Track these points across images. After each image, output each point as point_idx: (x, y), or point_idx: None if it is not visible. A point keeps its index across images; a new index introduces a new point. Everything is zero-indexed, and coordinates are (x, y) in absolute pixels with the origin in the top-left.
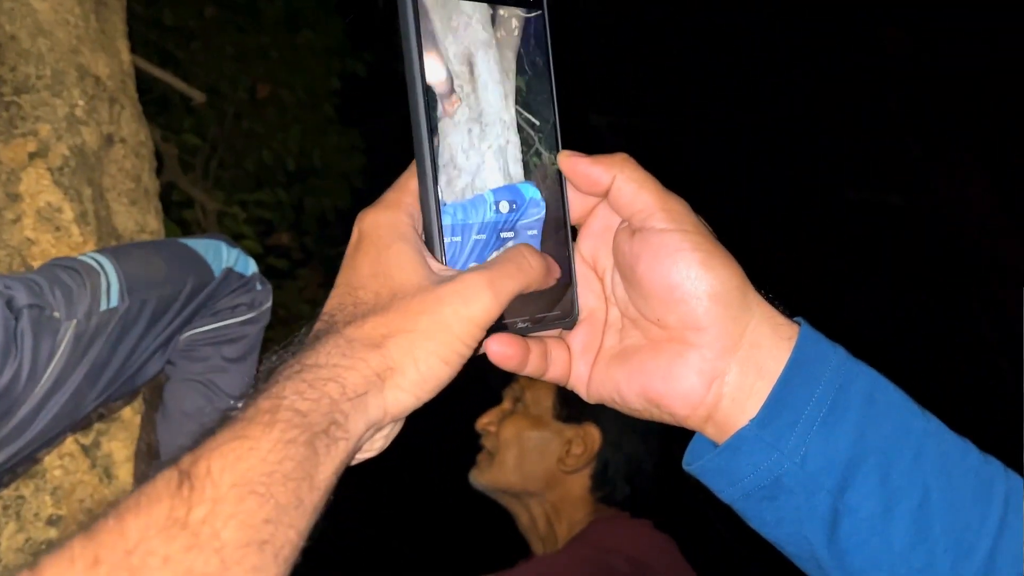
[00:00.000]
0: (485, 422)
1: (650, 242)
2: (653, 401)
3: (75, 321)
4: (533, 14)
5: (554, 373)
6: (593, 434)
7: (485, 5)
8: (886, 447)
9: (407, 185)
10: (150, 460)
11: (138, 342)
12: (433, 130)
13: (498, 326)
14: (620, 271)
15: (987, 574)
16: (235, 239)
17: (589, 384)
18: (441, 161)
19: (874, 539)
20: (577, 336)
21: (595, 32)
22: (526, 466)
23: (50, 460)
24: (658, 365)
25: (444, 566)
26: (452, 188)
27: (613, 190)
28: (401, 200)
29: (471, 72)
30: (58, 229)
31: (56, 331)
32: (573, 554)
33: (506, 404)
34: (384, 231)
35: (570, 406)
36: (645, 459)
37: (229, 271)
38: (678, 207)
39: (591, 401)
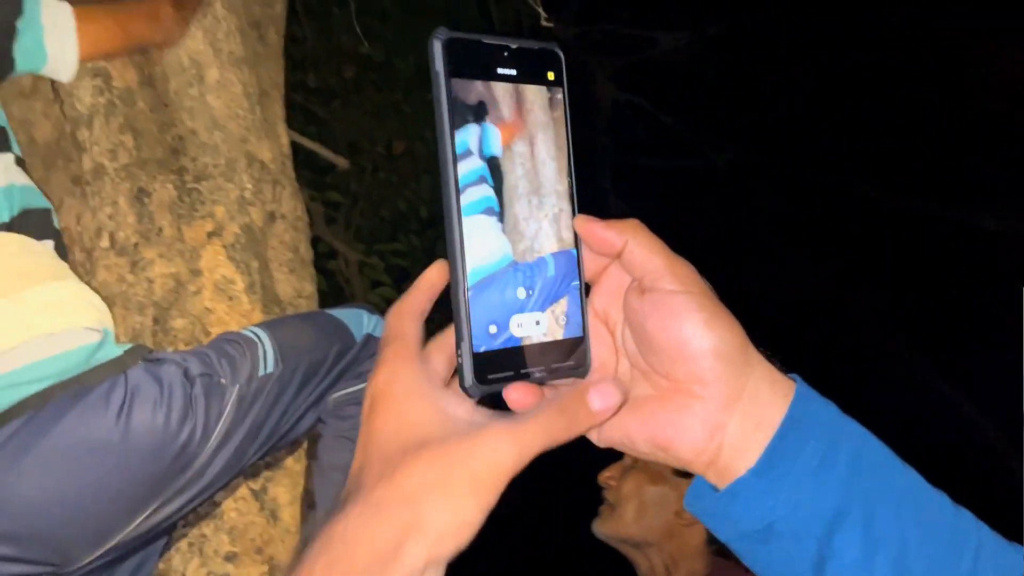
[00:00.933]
0: (607, 476)
1: (659, 302)
2: (660, 447)
3: (238, 386)
4: (559, 93)
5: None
6: None
7: (543, 88)
8: (870, 499)
9: (402, 333)
10: (310, 505)
11: (291, 401)
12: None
13: (517, 375)
14: (630, 327)
15: None
16: (373, 287)
17: (601, 430)
18: (506, 228)
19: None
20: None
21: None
22: (646, 518)
23: (227, 504)
24: (666, 414)
25: None
26: (516, 250)
27: (625, 252)
28: (401, 351)
29: (531, 150)
30: (231, 299)
31: (223, 395)
32: None
33: (627, 459)
34: (397, 387)
35: None
36: None
37: (369, 337)
38: (685, 270)
39: (601, 445)
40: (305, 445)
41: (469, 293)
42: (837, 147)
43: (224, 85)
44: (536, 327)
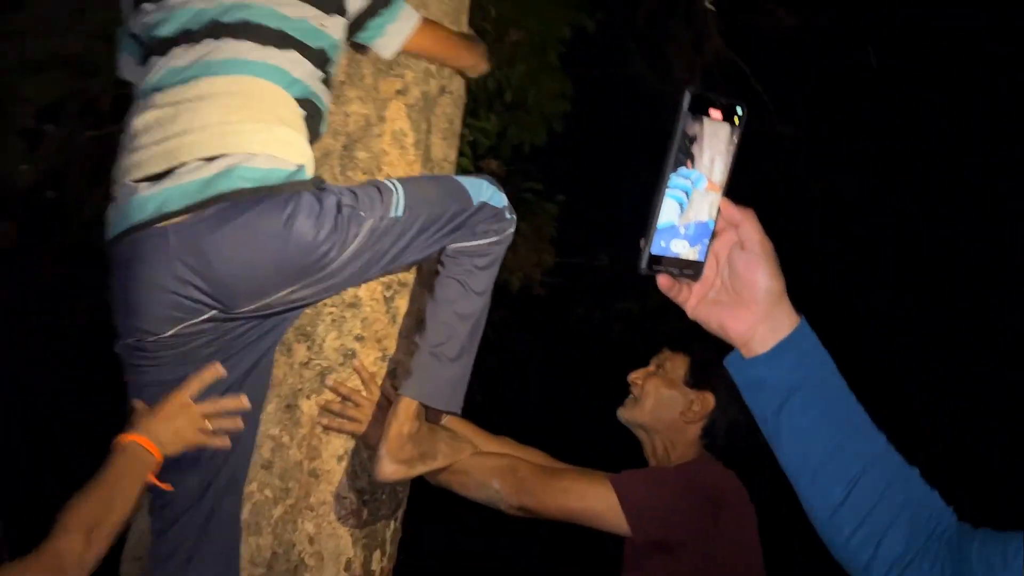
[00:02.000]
0: (635, 376)
1: (747, 257)
2: (723, 328)
3: (372, 220)
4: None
5: (683, 299)
6: (709, 399)
7: (731, 126)
8: (811, 386)
9: None
10: (419, 325)
11: (410, 241)
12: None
13: (665, 270)
14: (728, 264)
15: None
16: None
17: (695, 310)
18: (688, 202)
19: (797, 419)
20: (697, 285)
21: None
22: (658, 412)
23: (365, 298)
24: (731, 312)
25: (590, 464)
26: (687, 216)
27: (741, 225)
28: None
29: (713, 163)
30: (402, 148)
31: (360, 223)
32: (678, 470)
33: (651, 367)
34: None
35: (697, 377)
36: (743, 426)
37: (485, 204)
38: (767, 244)
39: (691, 318)
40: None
41: (657, 225)
42: None
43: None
44: (684, 250)
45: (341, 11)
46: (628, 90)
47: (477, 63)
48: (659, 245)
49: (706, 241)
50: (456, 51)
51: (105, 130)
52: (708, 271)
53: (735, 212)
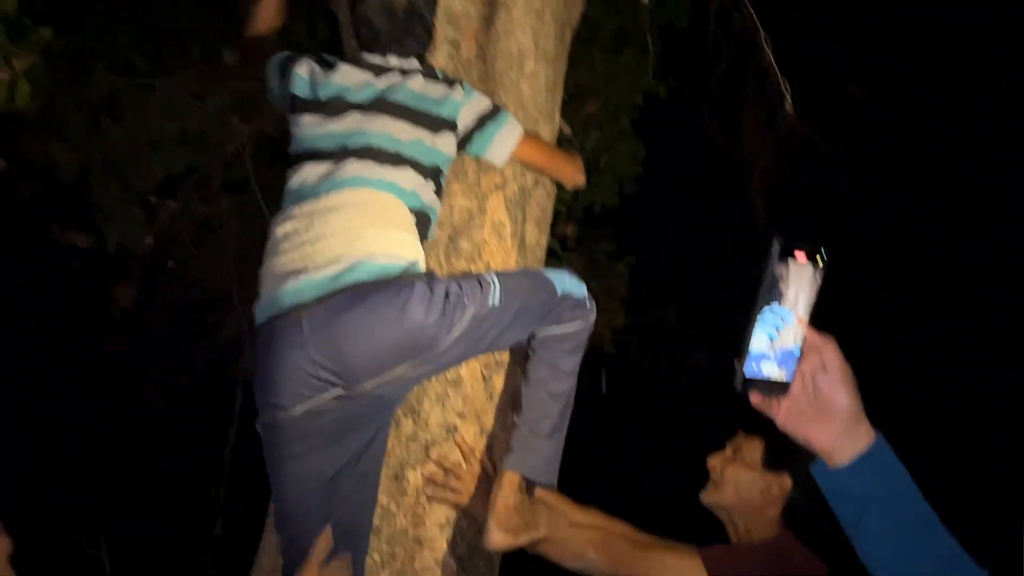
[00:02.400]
0: (713, 462)
1: (830, 378)
2: (808, 439)
3: (474, 308)
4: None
5: (773, 413)
6: (787, 481)
7: (816, 271)
8: (886, 502)
9: None
10: (514, 405)
11: (505, 328)
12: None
13: (757, 388)
14: (813, 382)
15: None
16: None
17: (783, 423)
18: (778, 333)
19: (875, 527)
20: (785, 401)
21: None
22: (738, 496)
23: (467, 377)
24: (815, 426)
25: (665, 527)
26: (777, 344)
27: (824, 351)
28: None
29: (798, 300)
30: (500, 238)
31: (465, 310)
32: (763, 548)
33: (729, 451)
34: None
35: (774, 460)
36: (821, 506)
37: (568, 294)
38: (846, 369)
39: (780, 428)
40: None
41: (750, 351)
42: None
43: (535, 75)
44: (773, 372)
45: (452, 128)
46: (699, 152)
47: (575, 176)
48: (752, 368)
49: (793, 364)
50: (556, 163)
51: (214, 205)
52: (795, 389)
53: (818, 339)
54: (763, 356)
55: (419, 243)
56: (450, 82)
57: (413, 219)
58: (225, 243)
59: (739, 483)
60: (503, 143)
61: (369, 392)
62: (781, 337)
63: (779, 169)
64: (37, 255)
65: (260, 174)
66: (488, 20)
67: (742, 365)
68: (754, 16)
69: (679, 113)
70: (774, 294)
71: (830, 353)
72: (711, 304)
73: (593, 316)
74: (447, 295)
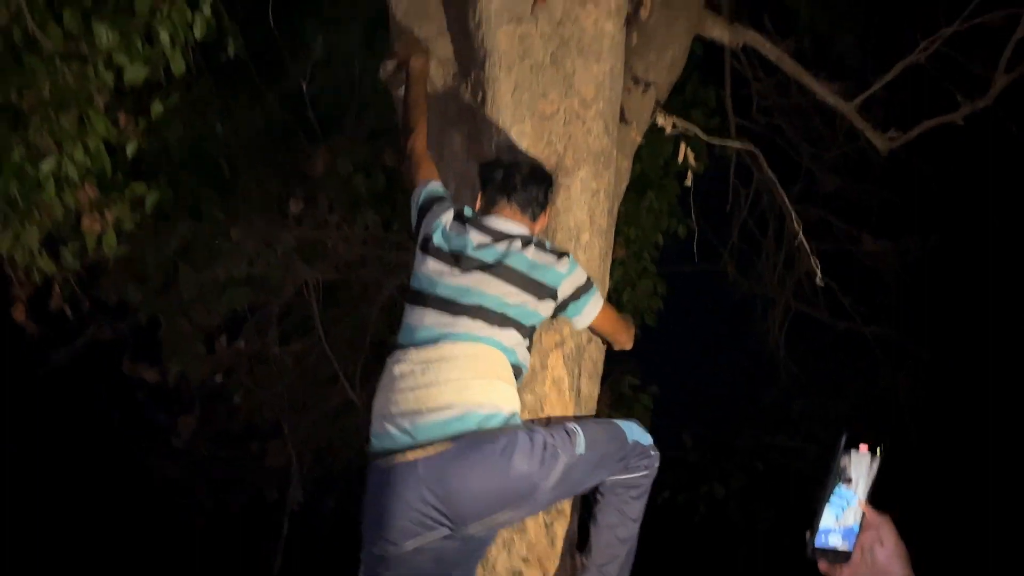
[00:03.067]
0: None
1: (886, 551)
2: None
3: (565, 457)
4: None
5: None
6: None
7: (874, 459)
8: None
9: None
10: (579, 546)
11: (587, 474)
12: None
13: (823, 556)
14: (871, 553)
15: None
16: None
17: None
18: (842, 511)
19: None
20: (847, 567)
21: None
22: None
23: (531, 525)
24: None
25: None
26: (841, 521)
27: (881, 528)
28: None
29: (857, 488)
30: (560, 391)
31: (558, 459)
32: None
33: None
34: None
35: None
36: None
37: (637, 442)
38: (901, 544)
39: None
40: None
41: (819, 526)
42: None
43: (590, 247)
44: (838, 543)
45: (553, 297)
46: (718, 287)
47: (627, 341)
48: (820, 540)
49: (854, 537)
50: (618, 330)
51: (270, 349)
52: (855, 558)
53: (877, 517)
54: (830, 530)
55: (517, 393)
56: (558, 254)
57: (511, 371)
58: (280, 377)
59: None
60: (590, 312)
61: (472, 535)
62: (845, 515)
63: (796, 307)
64: (105, 387)
65: (321, 314)
66: (551, 200)
67: (813, 537)
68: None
69: (699, 251)
70: (840, 478)
71: (886, 530)
72: (730, 436)
73: (657, 464)
74: (545, 446)
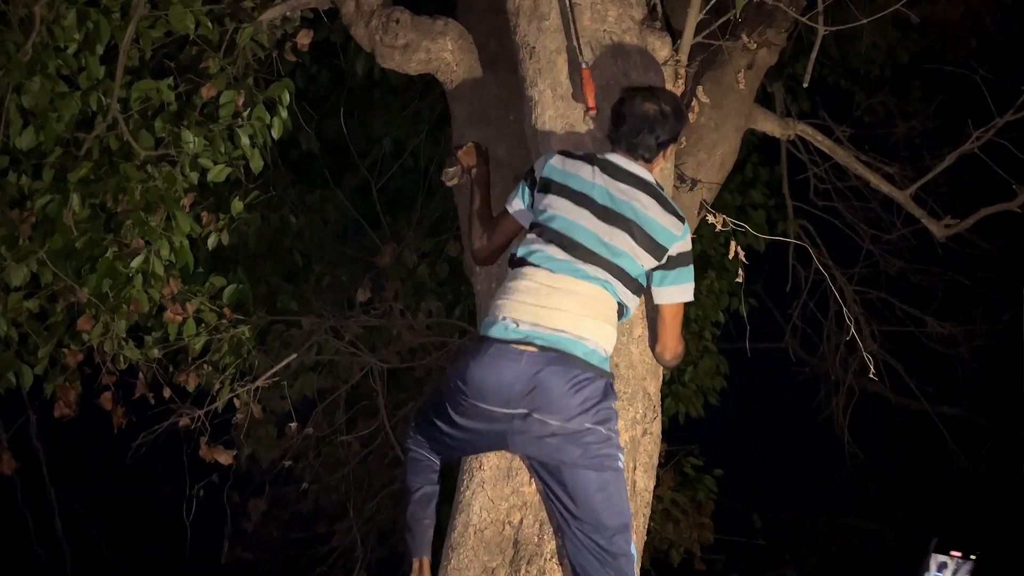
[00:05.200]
0: None
1: None
2: None
3: (609, 450)
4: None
5: None
6: None
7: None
8: None
9: None
10: None
11: (603, 490)
12: None
13: None
14: None
15: None
16: None
17: None
18: None
19: None
20: None
21: None
22: None
23: None
24: None
25: None
26: None
27: None
28: None
29: None
30: None
31: (608, 436)
32: None
33: None
34: None
35: None
36: None
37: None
38: None
39: None
40: None
41: None
42: None
43: (642, 339)
44: None
45: (660, 257)
46: (782, 366)
47: (678, 349)
48: None
49: None
50: (679, 333)
51: (337, 435)
52: None
53: None
54: None
55: (616, 333)
56: (679, 216)
57: (617, 311)
58: (346, 460)
59: None
60: (679, 290)
61: (537, 431)
62: None
63: (861, 387)
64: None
65: (386, 399)
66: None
67: None
68: (827, 256)
69: (762, 330)
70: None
71: None
72: (801, 517)
73: None
74: (608, 418)
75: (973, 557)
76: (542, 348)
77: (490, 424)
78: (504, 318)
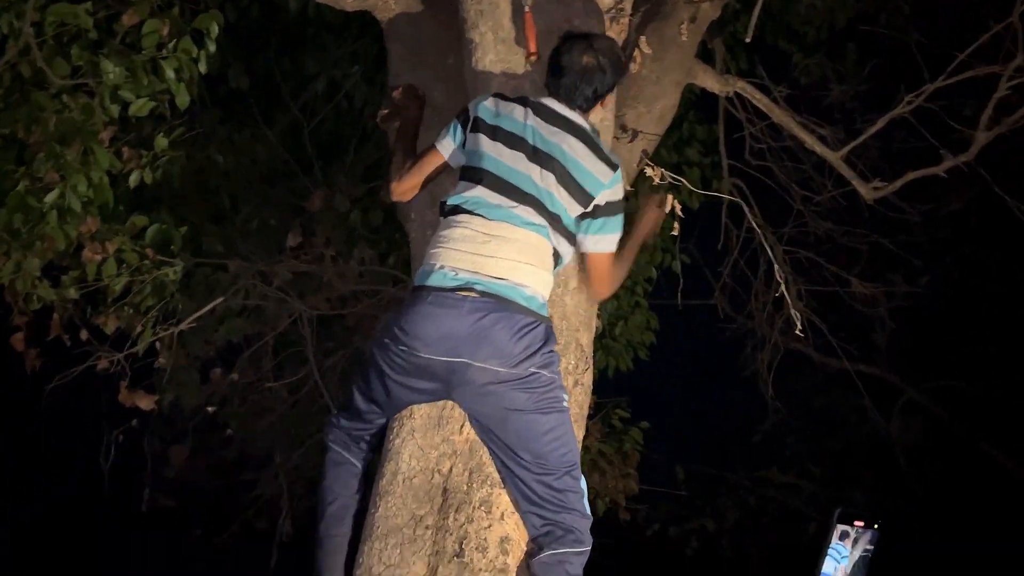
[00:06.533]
0: None
1: None
2: None
3: (556, 378)
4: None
5: None
6: None
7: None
8: None
9: None
10: None
11: (552, 431)
12: None
13: None
14: None
15: None
16: None
17: None
18: None
19: None
20: None
21: None
22: None
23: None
24: None
25: None
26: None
27: None
28: None
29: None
30: None
31: (551, 380)
32: None
33: None
34: None
35: None
36: None
37: (584, 494)
38: None
39: None
40: None
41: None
42: None
43: (576, 291)
44: None
45: (586, 204)
46: (710, 323)
47: (609, 290)
48: None
49: None
50: (609, 278)
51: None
52: None
53: None
54: None
55: (552, 281)
56: (610, 164)
57: (553, 262)
58: (273, 408)
59: None
60: (604, 240)
61: (473, 379)
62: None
63: (787, 345)
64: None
65: (315, 347)
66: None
67: None
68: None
69: (692, 287)
70: (835, 554)
71: None
72: (723, 471)
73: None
74: (550, 361)
75: (876, 526)
76: (483, 294)
77: (431, 380)
78: (442, 267)
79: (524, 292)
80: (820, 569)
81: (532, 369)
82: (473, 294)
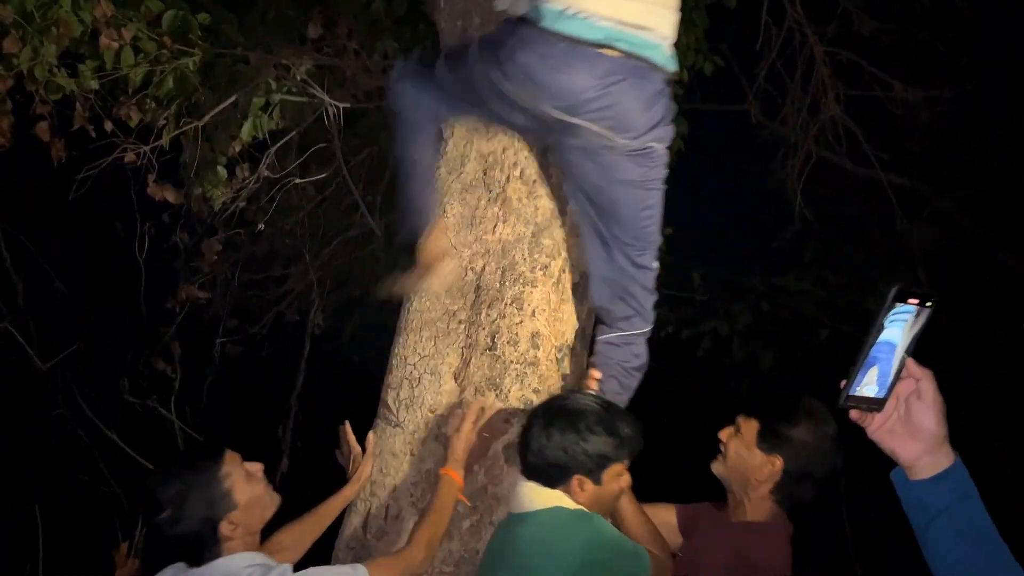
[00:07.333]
0: (722, 434)
1: (922, 405)
2: (894, 452)
3: (661, 147)
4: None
5: (867, 423)
6: (777, 463)
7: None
8: (956, 513)
9: None
10: (579, 380)
11: (643, 204)
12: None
13: (856, 404)
14: (905, 404)
15: None
16: None
17: (874, 434)
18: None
19: (942, 534)
20: (879, 415)
21: None
22: (734, 470)
23: (544, 360)
24: (902, 442)
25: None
26: (878, 366)
27: (920, 381)
28: None
29: (906, 337)
30: (577, 236)
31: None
32: (738, 525)
33: (731, 429)
34: None
35: (766, 442)
36: (809, 488)
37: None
38: (940, 399)
39: (870, 438)
40: None
41: (855, 378)
42: None
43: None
44: (872, 392)
45: None
46: (741, 128)
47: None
48: (855, 390)
49: (889, 384)
50: None
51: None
52: (888, 407)
53: (918, 370)
54: (866, 379)
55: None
56: None
57: None
58: (301, 205)
59: (736, 458)
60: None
61: (587, 143)
62: (885, 366)
63: (819, 153)
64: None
65: (341, 144)
66: None
67: (849, 386)
68: (800, 12)
69: (725, 90)
70: (885, 330)
71: (927, 383)
72: (740, 276)
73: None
74: (670, 124)
75: (929, 304)
76: (626, 54)
77: (535, 121)
78: (577, 12)
79: (664, 50)
80: (872, 343)
81: (650, 143)
82: (616, 53)
